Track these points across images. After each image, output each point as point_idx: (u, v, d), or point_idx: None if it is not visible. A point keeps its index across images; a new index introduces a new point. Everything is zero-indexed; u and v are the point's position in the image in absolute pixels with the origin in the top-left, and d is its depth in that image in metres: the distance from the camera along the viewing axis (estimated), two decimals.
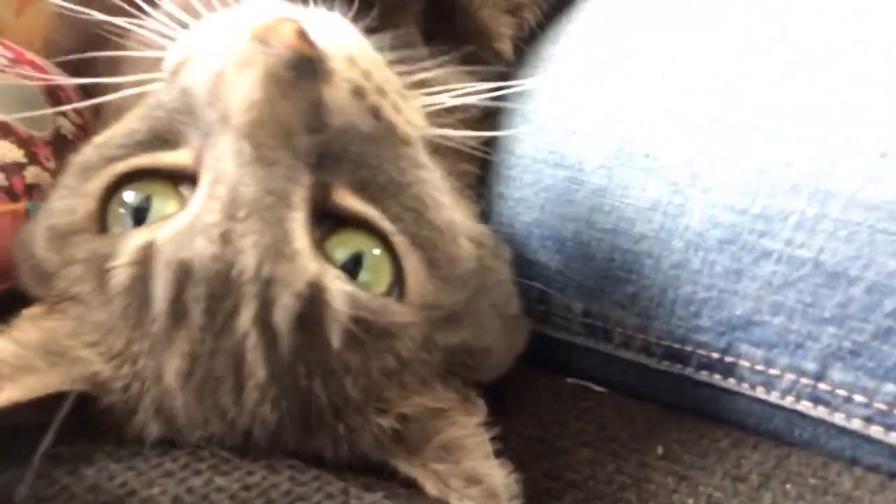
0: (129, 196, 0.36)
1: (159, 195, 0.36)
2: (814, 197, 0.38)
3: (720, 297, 0.43)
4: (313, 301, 0.33)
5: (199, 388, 0.34)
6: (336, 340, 0.33)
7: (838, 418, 0.41)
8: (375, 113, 0.37)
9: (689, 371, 0.47)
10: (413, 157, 0.39)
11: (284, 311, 0.32)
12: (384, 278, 0.36)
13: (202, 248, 0.33)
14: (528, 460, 0.40)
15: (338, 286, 0.33)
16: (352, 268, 0.35)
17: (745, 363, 0.44)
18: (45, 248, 0.38)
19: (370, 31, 0.44)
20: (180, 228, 0.34)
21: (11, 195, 0.54)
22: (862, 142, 0.36)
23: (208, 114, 0.34)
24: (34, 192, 0.56)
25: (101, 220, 0.36)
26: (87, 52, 0.65)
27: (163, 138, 0.37)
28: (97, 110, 0.61)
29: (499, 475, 0.36)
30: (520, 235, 0.53)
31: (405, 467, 0.36)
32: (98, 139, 0.40)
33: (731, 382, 0.45)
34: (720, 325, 0.44)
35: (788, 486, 0.42)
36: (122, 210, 0.36)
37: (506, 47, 0.56)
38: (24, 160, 0.55)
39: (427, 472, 0.36)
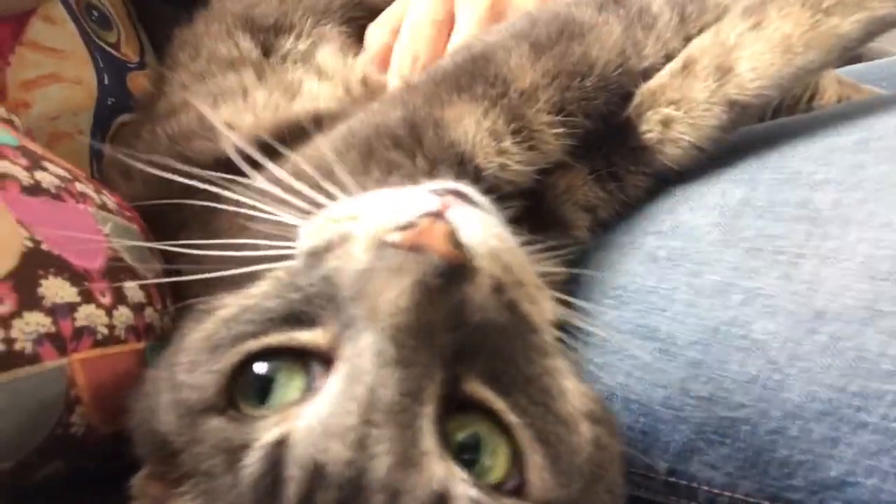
0: (258, 371, 0.38)
1: (285, 370, 0.38)
2: None
3: (816, 461, 0.49)
4: None
5: None
6: None
7: None
8: (512, 306, 0.40)
9: None
10: (543, 345, 0.42)
11: None
12: (502, 463, 0.37)
13: (337, 453, 0.34)
14: None
15: (463, 492, 0.35)
16: (471, 447, 0.37)
17: None
18: (175, 425, 0.38)
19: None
20: (315, 426, 0.34)
21: (137, 334, 0.55)
22: None
23: (352, 308, 0.36)
24: (151, 333, 0.57)
25: (228, 396, 0.38)
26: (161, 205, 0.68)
27: (297, 318, 0.39)
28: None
29: None
30: None
31: None
32: (224, 313, 0.42)
33: None
34: (814, 485, 0.50)
35: None
36: (249, 384, 0.38)
37: (582, 234, 0.65)
38: (144, 301, 0.57)
39: None
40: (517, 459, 0.37)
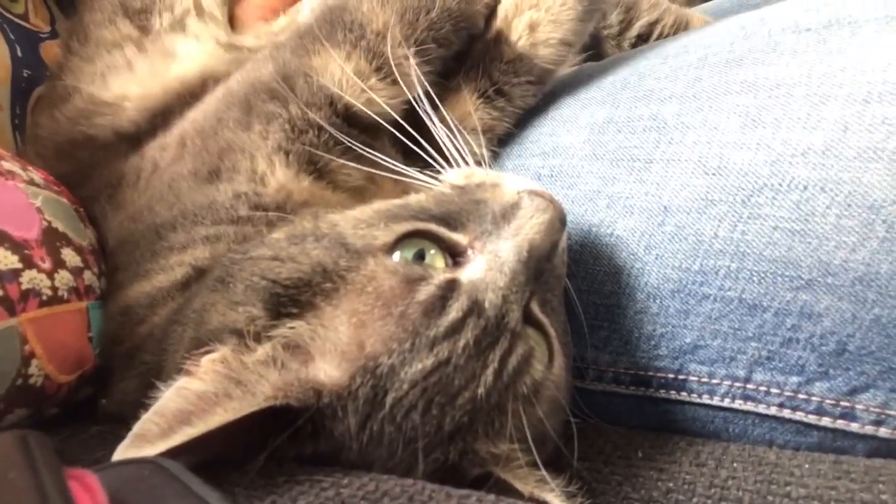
0: (415, 244, 0.51)
1: (432, 251, 0.51)
2: (735, 256, 0.55)
3: (673, 332, 0.59)
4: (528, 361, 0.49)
5: (429, 389, 0.46)
6: (526, 387, 0.49)
7: (761, 408, 0.57)
8: (565, 261, 0.57)
9: (650, 392, 0.62)
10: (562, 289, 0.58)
11: (517, 359, 0.48)
12: (543, 350, 0.52)
13: (492, 299, 0.48)
14: None
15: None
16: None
17: (693, 378, 0.60)
18: (334, 257, 0.50)
19: None
20: (476, 280, 0.49)
21: (78, 294, 0.61)
22: (764, 219, 0.54)
23: (499, 224, 0.52)
24: (90, 293, 0.63)
25: (390, 250, 0.50)
26: (76, 175, 0.74)
27: (446, 220, 0.53)
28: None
29: None
30: None
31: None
32: (397, 202, 0.56)
33: (683, 395, 0.61)
34: (674, 352, 0.60)
35: (735, 464, 0.56)
36: (409, 248, 0.51)
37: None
38: (81, 265, 0.63)
39: None
40: (550, 357, 0.53)
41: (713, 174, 0.57)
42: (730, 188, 0.56)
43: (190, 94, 0.72)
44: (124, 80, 0.76)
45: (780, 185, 0.54)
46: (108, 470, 0.40)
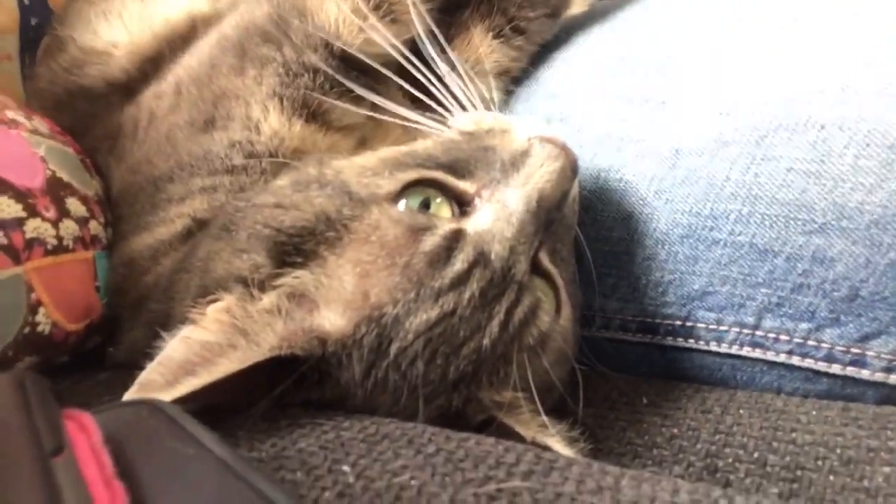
0: (421, 192, 0.50)
1: (437, 200, 0.50)
2: (747, 200, 0.54)
3: (682, 278, 0.58)
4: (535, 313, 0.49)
5: (434, 339, 0.45)
6: (532, 338, 0.48)
7: (769, 355, 0.56)
8: (575, 210, 0.56)
9: (657, 339, 0.61)
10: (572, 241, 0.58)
11: (523, 311, 0.47)
12: (550, 301, 0.52)
13: (499, 250, 0.47)
14: None
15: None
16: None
17: (701, 325, 0.58)
18: (337, 205, 0.49)
19: None
20: (483, 231, 0.48)
21: (84, 244, 0.61)
22: (778, 160, 0.53)
23: (508, 172, 0.51)
24: (96, 243, 0.63)
25: (395, 199, 0.49)
26: (78, 127, 0.73)
27: (453, 168, 0.52)
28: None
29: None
30: None
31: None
32: (403, 149, 0.55)
33: (690, 342, 0.59)
34: (682, 298, 0.59)
35: (742, 411, 0.55)
36: (415, 197, 0.50)
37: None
38: (86, 215, 0.63)
39: None
40: (558, 304, 0.52)
41: (727, 113, 0.55)
42: (744, 128, 0.54)
43: (180, 38, 0.70)
44: (115, 26, 0.75)
45: (797, 124, 0.52)
46: (106, 411, 0.41)
